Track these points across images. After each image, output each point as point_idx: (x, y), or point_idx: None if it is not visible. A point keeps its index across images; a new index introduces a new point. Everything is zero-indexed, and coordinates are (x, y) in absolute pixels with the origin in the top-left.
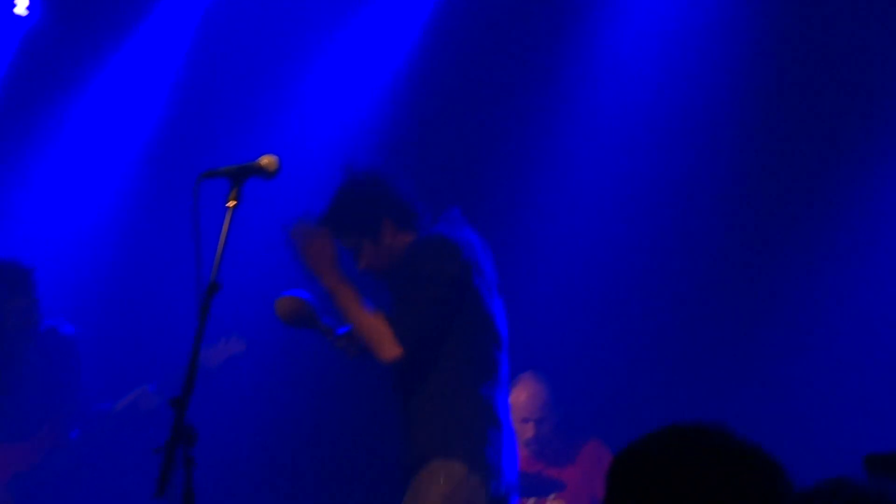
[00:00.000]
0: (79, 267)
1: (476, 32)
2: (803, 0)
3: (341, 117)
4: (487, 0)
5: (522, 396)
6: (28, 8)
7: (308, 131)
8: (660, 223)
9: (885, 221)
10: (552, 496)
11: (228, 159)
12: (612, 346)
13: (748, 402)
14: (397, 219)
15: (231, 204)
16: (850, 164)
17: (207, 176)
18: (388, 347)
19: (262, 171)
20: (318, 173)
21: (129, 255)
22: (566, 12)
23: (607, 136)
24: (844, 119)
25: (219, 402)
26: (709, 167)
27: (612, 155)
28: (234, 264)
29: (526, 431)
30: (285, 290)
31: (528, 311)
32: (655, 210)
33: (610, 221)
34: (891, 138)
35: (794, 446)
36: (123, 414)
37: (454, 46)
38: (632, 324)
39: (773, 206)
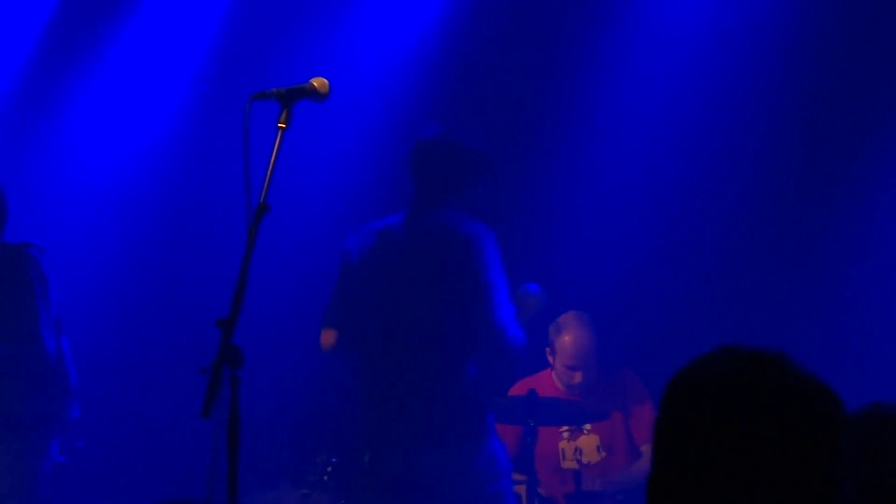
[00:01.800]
0: (135, 185)
1: (493, 32)
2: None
3: (391, 46)
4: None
5: (571, 345)
6: None
7: (358, 58)
8: (690, 186)
9: None
10: (587, 427)
11: (280, 82)
12: (648, 279)
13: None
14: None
15: (282, 126)
16: (869, 150)
17: (258, 97)
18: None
19: (313, 94)
20: (369, 101)
21: (181, 176)
22: (583, 14)
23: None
24: (866, 106)
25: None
26: (735, 145)
27: (644, 130)
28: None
29: (574, 377)
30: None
31: (566, 243)
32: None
33: (643, 185)
34: None
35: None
36: None
37: (474, 45)
38: (667, 260)
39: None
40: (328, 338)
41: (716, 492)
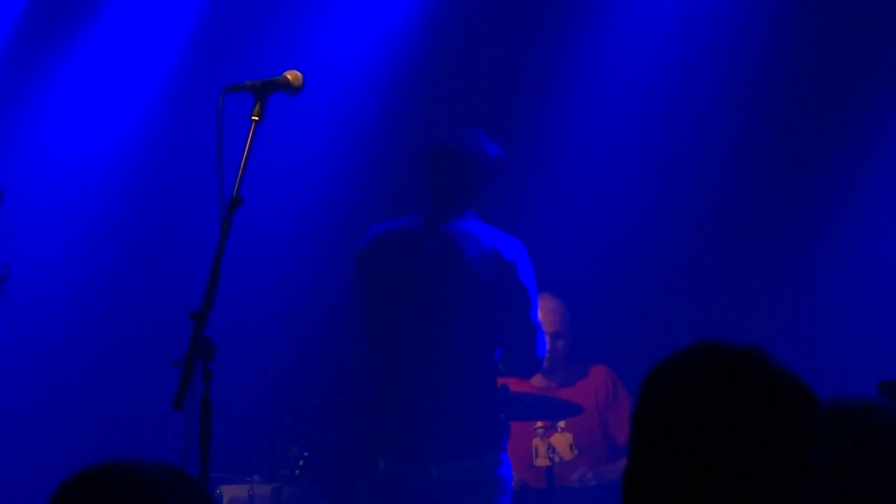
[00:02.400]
0: (107, 178)
1: (475, 25)
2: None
3: (368, 38)
4: None
5: (540, 314)
6: None
7: (334, 51)
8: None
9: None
10: (561, 424)
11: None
12: (623, 274)
13: (762, 335)
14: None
15: (255, 118)
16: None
17: (232, 90)
18: None
19: (286, 87)
20: (343, 94)
21: (153, 169)
22: (569, 8)
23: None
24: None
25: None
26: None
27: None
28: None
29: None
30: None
31: (543, 236)
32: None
33: (623, 180)
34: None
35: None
36: None
37: (455, 39)
38: (643, 254)
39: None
40: None
41: (692, 486)
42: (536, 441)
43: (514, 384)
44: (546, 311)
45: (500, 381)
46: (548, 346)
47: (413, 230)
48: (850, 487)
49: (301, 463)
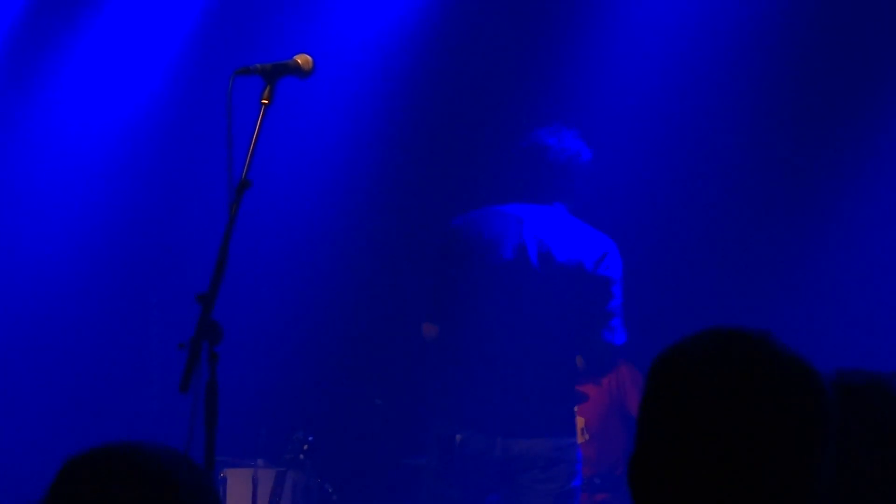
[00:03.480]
0: (117, 161)
1: (477, 16)
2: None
3: (375, 23)
4: None
5: None
6: None
7: (342, 36)
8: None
9: None
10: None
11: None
12: (636, 264)
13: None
14: None
15: (265, 102)
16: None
17: (241, 73)
18: None
19: (297, 70)
20: (352, 79)
21: (163, 152)
22: (572, 8)
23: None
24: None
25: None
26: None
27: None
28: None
29: None
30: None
31: None
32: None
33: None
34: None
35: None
36: None
37: (458, 28)
38: (652, 247)
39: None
40: (432, 331)
41: (699, 471)
42: None
43: None
44: None
45: None
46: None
47: (509, 216)
48: (854, 463)
49: (305, 447)
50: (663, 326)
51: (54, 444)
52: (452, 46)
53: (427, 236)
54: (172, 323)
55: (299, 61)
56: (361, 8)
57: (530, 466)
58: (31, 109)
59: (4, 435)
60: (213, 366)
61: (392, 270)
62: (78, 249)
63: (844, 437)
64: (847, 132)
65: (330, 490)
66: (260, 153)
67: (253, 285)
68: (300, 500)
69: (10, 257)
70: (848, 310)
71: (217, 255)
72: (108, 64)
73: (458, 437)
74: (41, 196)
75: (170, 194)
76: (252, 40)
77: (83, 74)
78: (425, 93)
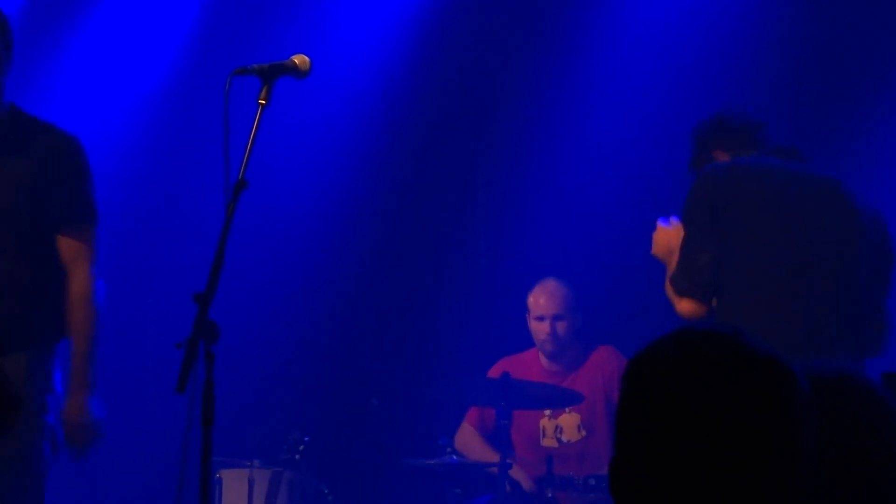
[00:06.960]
0: (113, 161)
1: (473, 29)
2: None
3: (372, 25)
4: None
5: (542, 297)
6: None
7: (340, 37)
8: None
9: None
10: (568, 409)
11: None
12: (629, 257)
13: None
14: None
15: (262, 102)
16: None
17: (239, 73)
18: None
19: (294, 71)
20: (350, 79)
21: (160, 152)
22: (570, 9)
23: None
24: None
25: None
26: None
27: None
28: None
29: (541, 331)
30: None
31: (544, 222)
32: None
33: (625, 169)
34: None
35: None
36: None
37: (456, 26)
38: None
39: None
40: (696, 308)
41: (677, 472)
42: (544, 421)
43: (521, 371)
44: (547, 294)
45: (505, 366)
46: (553, 330)
47: (788, 171)
48: (829, 456)
49: (301, 448)
50: (663, 327)
51: None
52: (452, 46)
53: (425, 236)
54: (169, 323)
55: (296, 61)
56: (359, 8)
57: None
58: (28, 109)
59: None
60: (210, 366)
61: (390, 270)
62: None
63: (820, 429)
64: (847, 132)
65: (326, 490)
66: (257, 153)
67: (250, 285)
68: (296, 500)
69: None
70: None
71: (214, 255)
72: (105, 64)
73: None
74: None
75: (167, 194)
76: (249, 41)
77: (80, 74)
78: (423, 93)
